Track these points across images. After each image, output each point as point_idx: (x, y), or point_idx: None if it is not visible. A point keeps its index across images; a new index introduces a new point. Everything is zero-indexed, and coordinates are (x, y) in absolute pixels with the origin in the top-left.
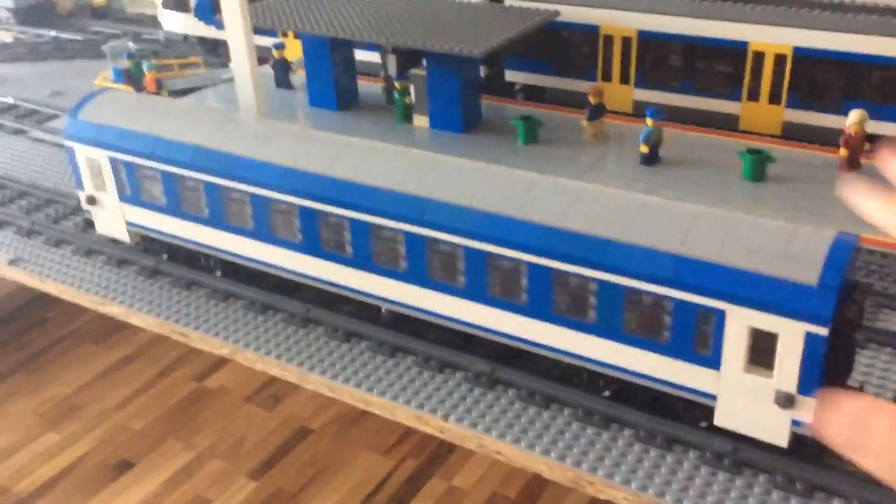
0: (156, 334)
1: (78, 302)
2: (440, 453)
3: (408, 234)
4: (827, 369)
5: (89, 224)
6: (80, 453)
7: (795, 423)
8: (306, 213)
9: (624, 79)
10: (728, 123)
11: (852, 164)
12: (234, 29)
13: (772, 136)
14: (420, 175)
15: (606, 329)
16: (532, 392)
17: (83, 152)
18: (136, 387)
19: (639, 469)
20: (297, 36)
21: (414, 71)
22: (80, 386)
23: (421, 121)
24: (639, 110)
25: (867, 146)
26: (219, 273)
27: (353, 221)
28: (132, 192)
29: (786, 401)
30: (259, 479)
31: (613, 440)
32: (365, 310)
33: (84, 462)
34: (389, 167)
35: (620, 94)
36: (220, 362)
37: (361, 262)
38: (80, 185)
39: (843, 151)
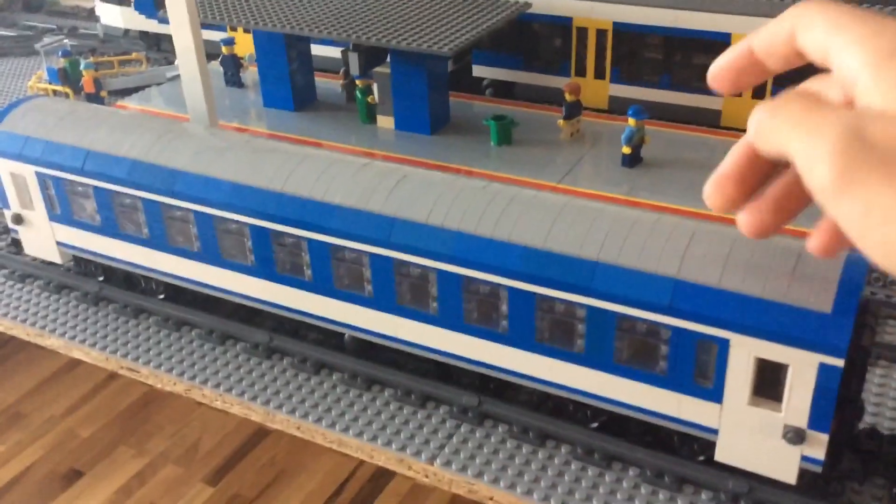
0: None
1: (13, 335)
2: None
3: (373, 257)
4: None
5: (18, 245)
6: (27, 464)
7: (805, 459)
8: (260, 234)
9: (599, 73)
10: (709, 119)
11: None
12: (180, 25)
13: None
14: (386, 190)
15: (597, 359)
16: (525, 428)
17: (7, 167)
18: (83, 392)
19: None
20: (247, 30)
21: (377, 69)
22: (24, 393)
23: (385, 121)
24: (615, 106)
25: None
26: (161, 297)
27: (311, 242)
28: (63, 210)
29: (795, 436)
30: (216, 485)
31: (618, 481)
32: (334, 338)
33: (31, 473)
34: (351, 182)
35: (595, 90)
36: None
37: (323, 287)
38: (4, 203)
39: None
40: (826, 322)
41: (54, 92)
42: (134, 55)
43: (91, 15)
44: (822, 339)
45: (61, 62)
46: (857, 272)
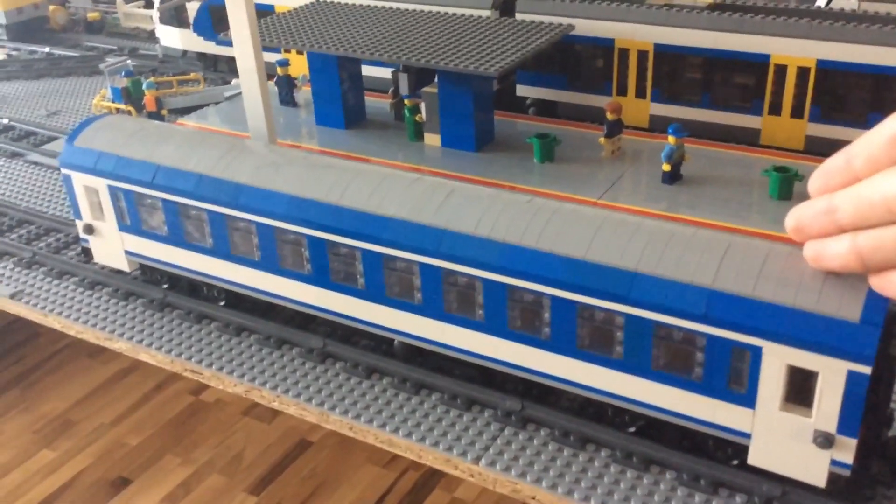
0: None
1: (83, 338)
2: None
3: (423, 266)
4: (866, 404)
5: (88, 253)
6: (77, 471)
7: (834, 463)
8: (316, 244)
9: (640, 93)
10: (748, 138)
11: None
12: (244, 48)
13: (794, 150)
14: (436, 204)
15: (635, 365)
16: (566, 432)
17: (81, 180)
18: (132, 401)
19: None
20: (301, 52)
21: (425, 89)
22: (76, 401)
23: (432, 139)
24: (655, 125)
25: None
26: (222, 304)
27: (365, 252)
28: (132, 221)
29: (825, 441)
30: (259, 494)
31: (655, 484)
32: (385, 343)
33: (80, 480)
34: (403, 196)
35: (636, 109)
36: None
37: (374, 294)
38: (77, 214)
39: None
40: (854, 331)
41: (117, 110)
42: (192, 75)
43: (151, 36)
44: (850, 347)
45: (124, 82)
46: None
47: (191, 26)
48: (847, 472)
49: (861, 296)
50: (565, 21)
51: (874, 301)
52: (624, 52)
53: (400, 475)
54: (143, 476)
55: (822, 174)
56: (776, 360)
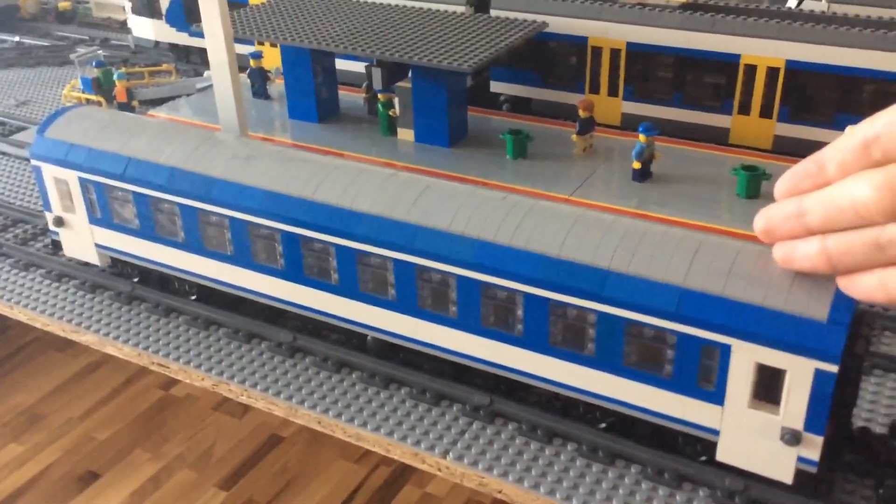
0: None
1: (50, 331)
2: None
3: (397, 262)
4: (832, 402)
5: (57, 246)
6: (45, 465)
7: (801, 460)
8: (290, 239)
9: (612, 91)
10: (718, 137)
11: None
12: (215, 40)
13: (763, 150)
14: (410, 200)
15: (606, 362)
16: (534, 426)
17: (51, 172)
18: (101, 395)
19: None
20: (274, 45)
21: (399, 83)
22: (44, 395)
23: (406, 134)
24: (627, 123)
25: None
26: (193, 297)
27: (339, 248)
28: (103, 214)
29: (792, 438)
30: (229, 490)
31: (620, 478)
32: (355, 338)
33: (49, 474)
34: (378, 191)
35: (609, 107)
36: None
37: (348, 289)
38: (47, 206)
39: None
40: (822, 330)
41: (87, 101)
42: (164, 66)
43: (123, 27)
44: (817, 346)
45: (95, 72)
46: None
47: (163, 17)
48: (814, 469)
49: (829, 296)
50: (539, 18)
51: (841, 301)
52: (597, 51)
53: (371, 470)
54: (113, 470)
55: (791, 177)
56: (745, 358)
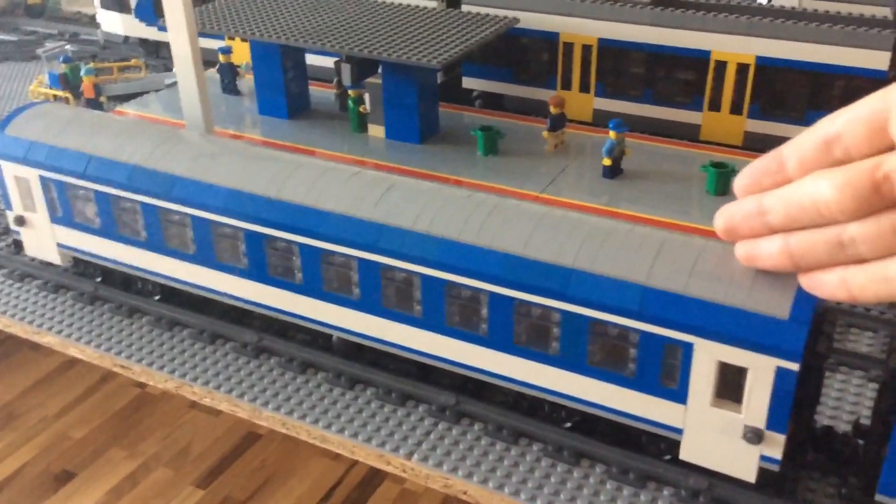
0: None
1: (11, 332)
2: None
3: (361, 261)
4: (795, 401)
5: (19, 246)
6: (20, 464)
7: (764, 458)
8: (253, 238)
9: (584, 87)
10: (689, 133)
11: None
12: (179, 35)
13: (733, 146)
14: (375, 199)
15: (570, 361)
16: (500, 426)
17: (11, 170)
18: (76, 394)
19: None
20: (244, 39)
21: (369, 79)
22: (18, 394)
23: (376, 130)
24: (599, 119)
25: None
26: (157, 298)
27: (303, 247)
28: (64, 212)
29: (754, 436)
30: (206, 488)
31: (585, 477)
32: (321, 338)
33: (23, 473)
34: (342, 190)
35: (580, 103)
36: None
37: (313, 289)
38: (8, 205)
39: None
40: (783, 328)
41: (55, 97)
42: (133, 62)
43: (92, 21)
44: (779, 344)
45: (62, 67)
46: None
47: (132, 11)
48: (776, 468)
49: (790, 293)
50: (511, 14)
51: (803, 299)
52: (568, 46)
53: (350, 467)
54: (88, 469)
55: (751, 174)
56: (707, 356)
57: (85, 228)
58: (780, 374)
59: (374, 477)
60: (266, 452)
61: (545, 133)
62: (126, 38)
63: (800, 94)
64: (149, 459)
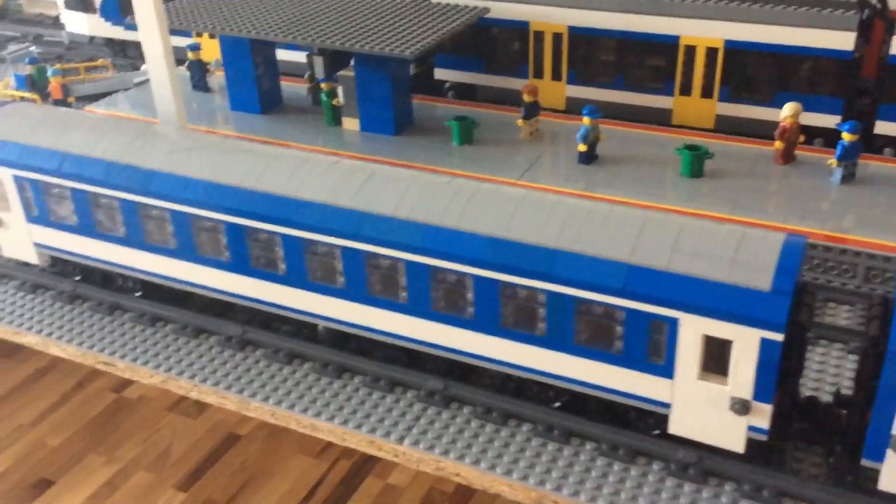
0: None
1: None
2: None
3: (345, 250)
4: (780, 371)
5: None
6: None
7: (752, 428)
8: (234, 230)
9: (556, 75)
10: (661, 118)
11: (787, 156)
12: (150, 32)
13: (705, 129)
14: (355, 187)
15: (557, 341)
16: (489, 408)
17: None
18: (51, 400)
19: (604, 485)
20: (213, 36)
21: (342, 72)
22: None
23: (351, 123)
24: (571, 107)
25: (802, 138)
26: (138, 294)
27: (285, 238)
28: (40, 211)
29: (741, 407)
30: (187, 490)
31: (576, 455)
32: (306, 328)
33: (0, 483)
34: (322, 179)
35: (553, 91)
36: None
37: (296, 279)
38: None
39: (778, 144)
40: (765, 299)
41: (22, 98)
42: (100, 61)
43: (56, 23)
44: (762, 315)
45: (28, 69)
46: (793, 254)
47: (97, 11)
48: (764, 437)
49: (771, 267)
50: (481, 4)
51: (784, 271)
52: (539, 35)
53: (332, 465)
54: (66, 476)
55: None
56: (692, 330)
57: (62, 227)
58: (765, 344)
59: (357, 474)
60: (247, 453)
61: (520, 121)
62: (91, 38)
63: (768, 77)
64: (128, 464)
